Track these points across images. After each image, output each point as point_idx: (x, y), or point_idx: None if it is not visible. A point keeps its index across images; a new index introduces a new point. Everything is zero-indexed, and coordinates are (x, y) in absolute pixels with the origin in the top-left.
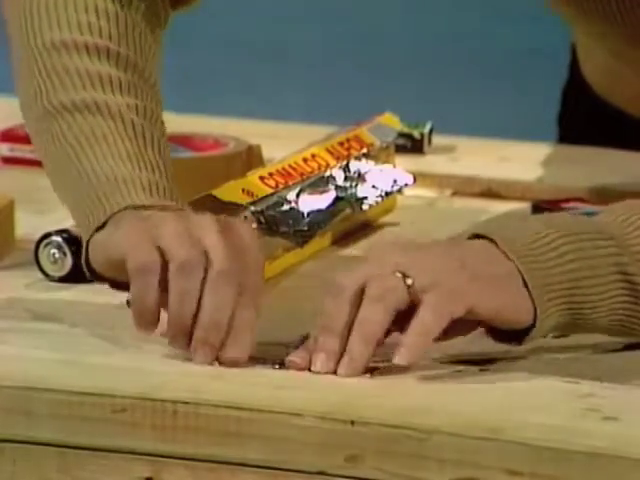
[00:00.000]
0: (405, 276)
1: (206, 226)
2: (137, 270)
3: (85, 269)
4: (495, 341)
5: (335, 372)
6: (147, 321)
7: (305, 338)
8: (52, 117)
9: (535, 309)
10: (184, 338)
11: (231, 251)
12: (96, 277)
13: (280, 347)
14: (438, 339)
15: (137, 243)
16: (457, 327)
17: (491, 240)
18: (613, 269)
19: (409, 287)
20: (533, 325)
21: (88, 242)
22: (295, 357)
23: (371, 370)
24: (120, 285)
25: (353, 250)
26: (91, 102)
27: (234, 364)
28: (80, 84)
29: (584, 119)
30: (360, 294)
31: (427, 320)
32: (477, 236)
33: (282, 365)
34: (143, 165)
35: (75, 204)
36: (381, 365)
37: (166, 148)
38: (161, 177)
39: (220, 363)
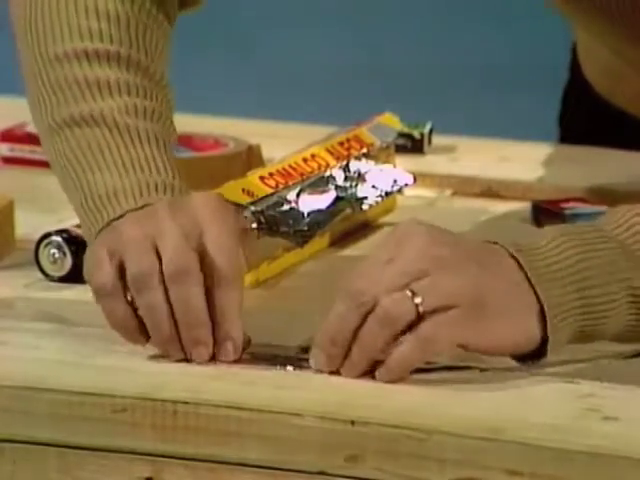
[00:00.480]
0: (414, 294)
1: (159, 221)
2: (99, 294)
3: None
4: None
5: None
6: (132, 337)
7: (305, 349)
8: (54, 133)
9: (545, 335)
10: (173, 346)
11: (180, 244)
12: None
13: (280, 347)
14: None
15: (96, 264)
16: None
17: (519, 261)
18: (624, 285)
19: (416, 306)
20: (543, 348)
21: None
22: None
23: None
24: None
25: (353, 250)
26: (87, 115)
27: (231, 354)
28: (80, 95)
29: (585, 119)
30: (372, 304)
31: (409, 352)
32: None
33: (289, 365)
34: (138, 166)
35: (79, 218)
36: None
37: (164, 140)
38: (158, 172)
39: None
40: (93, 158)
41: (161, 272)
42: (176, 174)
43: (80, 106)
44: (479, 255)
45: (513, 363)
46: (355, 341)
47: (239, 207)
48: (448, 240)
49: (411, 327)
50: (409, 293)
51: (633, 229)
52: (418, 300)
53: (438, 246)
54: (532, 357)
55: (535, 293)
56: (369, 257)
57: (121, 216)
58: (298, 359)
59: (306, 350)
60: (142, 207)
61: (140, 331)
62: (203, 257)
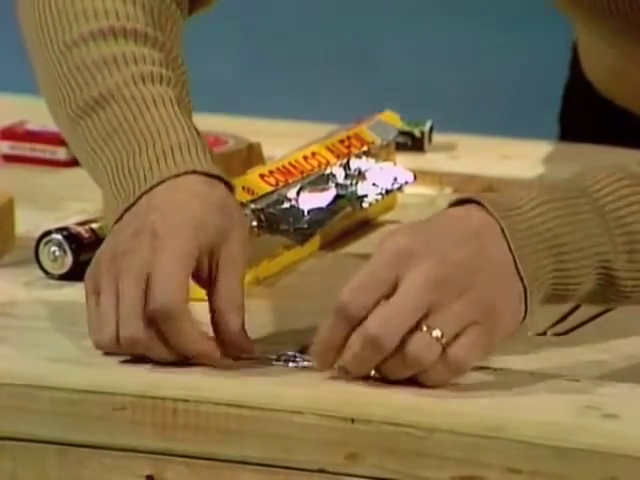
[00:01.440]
0: (430, 328)
1: (151, 252)
2: (96, 347)
3: None
4: None
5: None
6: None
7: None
8: (75, 123)
9: (526, 301)
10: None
11: (175, 275)
12: None
13: (279, 345)
14: None
15: (89, 317)
16: None
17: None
18: (597, 258)
19: (437, 339)
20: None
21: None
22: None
23: None
24: None
25: (353, 248)
26: (99, 97)
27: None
28: (90, 78)
29: (585, 117)
30: (395, 348)
31: (445, 378)
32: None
33: (290, 362)
34: (149, 137)
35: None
36: None
37: (173, 100)
38: (168, 135)
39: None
40: (112, 142)
41: (146, 334)
42: (186, 130)
43: (92, 90)
44: (468, 252)
45: (513, 361)
46: (380, 372)
47: (239, 205)
48: (438, 249)
49: None
50: (425, 328)
51: (620, 199)
52: (437, 333)
53: (434, 264)
54: None
55: (516, 266)
56: (368, 273)
57: (129, 207)
58: (296, 357)
59: (306, 349)
60: (160, 183)
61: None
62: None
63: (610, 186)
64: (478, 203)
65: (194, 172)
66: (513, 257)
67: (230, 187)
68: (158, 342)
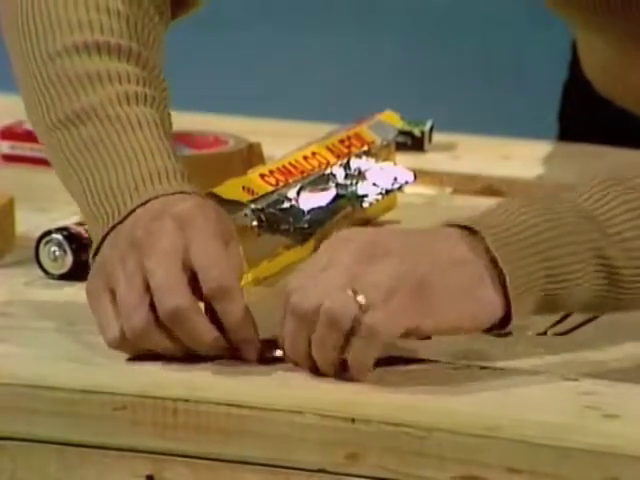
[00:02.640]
0: (356, 292)
1: (143, 256)
2: (109, 345)
3: None
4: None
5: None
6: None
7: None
8: (52, 133)
9: (507, 303)
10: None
11: (170, 275)
12: None
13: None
14: (423, 338)
15: (99, 315)
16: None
17: (469, 231)
18: (591, 254)
19: (361, 306)
20: (508, 316)
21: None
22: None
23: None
24: None
25: (305, 263)
26: (80, 111)
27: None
28: (72, 91)
29: (584, 116)
30: (317, 313)
31: (359, 349)
32: (453, 224)
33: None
34: (132, 156)
35: (85, 218)
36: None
37: (157, 123)
38: (154, 158)
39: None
40: (91, 157)
41: (152, 321)
42: (171, 155)
43: (73, 104)
44: (417, 243)
45: (513, 361)
46: (313, 354)
47: (240, 205)
48: (384, 238)
49: None
50: (350, 293)
51: (602, 200)
52: (360, 298)
53: (372, 245)
54: (497, 327)
55: (493, 261)
56: (305, 264)
57: (121, 221)
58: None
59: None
60: (144, 203)
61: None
62: (195, 273)
63: (596, 193)
64: (460, 226)
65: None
66: (486, 247)
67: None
68: (204, 319)
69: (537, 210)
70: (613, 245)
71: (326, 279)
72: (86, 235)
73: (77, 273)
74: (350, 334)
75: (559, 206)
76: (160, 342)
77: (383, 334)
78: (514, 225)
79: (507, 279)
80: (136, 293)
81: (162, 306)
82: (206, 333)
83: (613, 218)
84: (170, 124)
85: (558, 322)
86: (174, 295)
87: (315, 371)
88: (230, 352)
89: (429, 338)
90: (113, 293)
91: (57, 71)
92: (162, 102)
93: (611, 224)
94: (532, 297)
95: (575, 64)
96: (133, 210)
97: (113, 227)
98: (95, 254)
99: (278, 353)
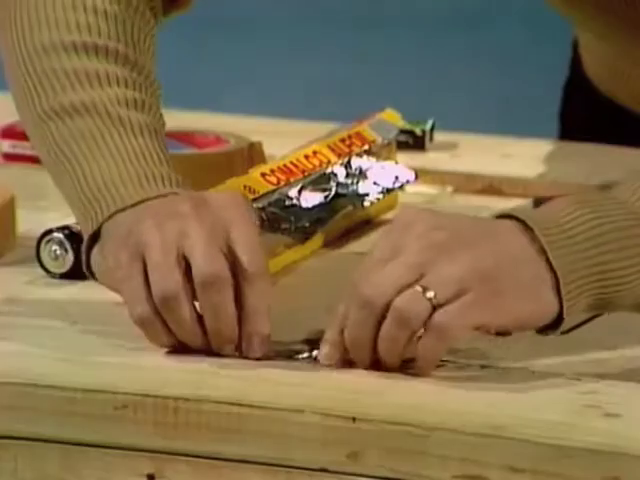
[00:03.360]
0: (425, 289)
1: (184, 226)
2: (139, 323)
3: (86, 271)
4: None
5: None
6: (157, 338)
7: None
8: (43, 123)
9: (561, 308)
10: (197, 343)
11: (209, 250)
12: (97, 280)
13: (281, 344)
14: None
15: (127, 280)
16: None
17: (528, 231)
18: (639, 251)
19: (430, 300)
20: (560, 318)
21: (88, 249)
22: (329, 357)
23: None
24: None
25: (354, 247)
26: (79, 104)
27: (258, 350)
28: (69, 85)
29: (585, 115)
30: (386, 308)
31: (430, 345)
32: (507, 216)
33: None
34: (134, 157)
35: (74, 210)
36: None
37: (157, 131)
38: (154, 164)
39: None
40: (87, 147)
41: (189, 282)
42: (171, 166)
43: (70, 96)
44: (482, 234)
45: (514, 360)
46: (379, 347)
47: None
48: (447, 223)
49: None
50: (419, 289)
51: None
52: (430, 294)
53: (437, 231)
54: (549, 327)
55: (549, 263)
56: (373, 252)
57: (123, 209)
58: (297, 353)
59: (311, 343)
60: (143, 201)
61: (165, 332)
62: (231, 255)
63: None
64: (517, 219)
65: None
66: (541, 247)
67: None
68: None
69: (589, 211)
70: None
71: (394, 271)
72: None
73: (78, 272)
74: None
75: (610, 206)
76: (184, 314)
77: (454, 331)
78: (568, 228)
79: (560, 283)
80: (173, 257)
81: (200, 270)
82: (230, 307)
83: None
84: (164, 133)
85: None
86: (214, 263)
87: (370, 366)
88: (236, 347)
89: (504, 335)
90: (144, 263)
91: (51, 64)
92: (157, 110)
93: None
94: (584, 300)
95: (576, 63)
96: (151, 198)
97: (119, 210)
98: (93, 238)
99: (314, 354)
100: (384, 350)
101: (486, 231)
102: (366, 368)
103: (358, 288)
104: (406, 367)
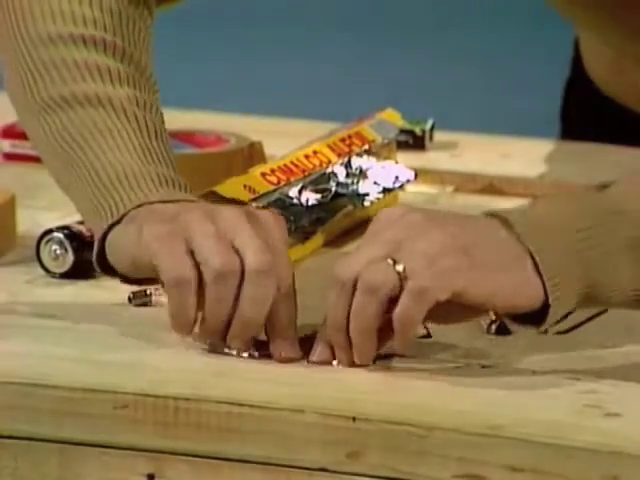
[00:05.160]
0: (396, 262)
1: (235, 222)
2: (174, 283)
3: (95, 263)
4: (514, 323)
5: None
6: (185, 329)
7: (309, 336)
8: (51, 111)
9: (546, 292)
10: (218, 337)
11: (263, 245)
12: (107, 272)
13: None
14: (441, 321)
15: (170, 251)
16: (457, 311)
17: (503, 220)
18: (627, 242)
19: (399, 273)
20: (546, 307)
21: (103, 238)
22: (319, 355)
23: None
24: (131, 281)
25: (355, 247)
26: (92, 94)
27: (288, 361)
28: (79, 75)
29: (587, 114)
30: (356, 285)
31: (406, 307)
32: (486, 215)
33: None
34: (151, 158)
35: (83, 199)
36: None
37: (168, 139)
38: (169, 169)
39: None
40: (103, 138)
41: (241, 270)
42: (175, 168)
43: (81, 86)
44: (459, 218)
45: (514, 360)
46: (350, 324)
47: (241, 204)
48: (422, 209)
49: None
50: (390, 261)
51: (632, 194)
52: (400, 268)
53: (412, 214)
54: (540, 318)
55: (527, 248)
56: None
57: (160, 201)
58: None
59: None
60: (174, 201)
61: (193, 323)
62: (277, 266)
63: (619, 186)
64: (494, 216)
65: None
66: (518, 237)
67: None
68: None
69: (565, 202)
70: None
71: (367, 250)
72: (87, 234)
73: (78, 272)
74: (391, 302)
75: (589, 201)
76: (229, 293)
77: (431, 291)
78: (544, 220)
79: (538, 262)
80: (226, 244)
81: (252, 262)
82: (268, 302)
83: None
84: (163, 121)
85: (559, 321)
86: (265, 259)
87: (350, 349)
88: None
89: (504, 334)
90: (187, 244)
91: (54, 54)
92: (160, 112)
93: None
94: (571, 291)
95: (577, 62)
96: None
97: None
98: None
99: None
100: (354, 323)
101: (463, 217)
102: (348, 357)
103: (334, 271)
104: (383, 345)
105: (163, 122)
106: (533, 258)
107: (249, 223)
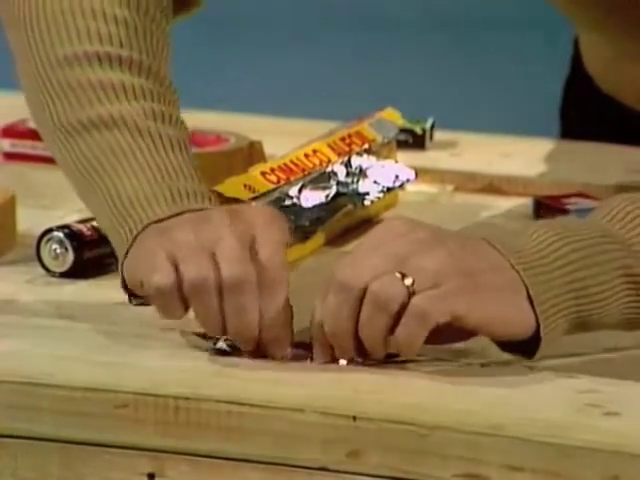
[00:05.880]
0: (404, 276)
1: (218, 231)
2: (154, 293)
3: (124, 292)
4: (503, 351)
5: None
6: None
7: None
8: (69, 136)
9: (538, 322)
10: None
11: (241, 254)
12: (135, 298)
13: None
14: (435, 342)
15: (153, 263)
16: (451, 334)
17: (499, 245)
18: (619, 272)
19: (407, 287)
20: (538, 337)
21: (122, 265)
22: (320, 359)
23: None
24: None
25: (354, 246)
26: (107, 116)
27: (281, 360)
28: (95, 97)
29: (586, 113)
30: (363, 294)
31: (409, 329)
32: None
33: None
34: (165, 175)
35: (107, 226)
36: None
37: (187, 147)
38: (186, 180)
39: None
40: (118, 162)
41: (218, 279)
42: (202, 180)
43: (97, 109)
44: (461, 238)
45: (514, 359)
46: (360, 334)
47: (241, 203)
48: (429, 227)
49: None
50: (398, 275)
51: (624, 220)
52: (408, 282)
53: (418, 231)
54: (525, 351)
55: (522, 277)
56: (354, 248)
57: (157, 221)
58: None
59: (297, 345)
60: (178, 214)
61: (179, 306)
62: (256, 263)
63: (619, 212)
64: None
65: None
66: (511, 264)
67: None
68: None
69: (560, 234)
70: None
71: (373, 260)
72: (87, 233)
73: (78, 271)
74: (398, 315)
75: (581, 229)
76: (209, 306)
77: (433, 316)
78: (536, 250)
79: (532, 295)
80: (205, 255)
81: (227, 272)
82: (253, 312)
83: (637, 236)
84: (190, 145)
85: None
86: (241, 268)
87: (353, 357)
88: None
89: (469, 337)
90: (173, 257)
91: (73, 76)
92: (182, 121)
93: (635, 242)
94: (562, 320)
95: (577, 60)
96: (184, 212)
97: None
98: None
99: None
100: (365, 337)
101: (465, 237)
102: (350, 360)
103: (336, 275)
104: (391, 357)
105: (185, 129)
106: (527, 289)
107: (232, 229)
